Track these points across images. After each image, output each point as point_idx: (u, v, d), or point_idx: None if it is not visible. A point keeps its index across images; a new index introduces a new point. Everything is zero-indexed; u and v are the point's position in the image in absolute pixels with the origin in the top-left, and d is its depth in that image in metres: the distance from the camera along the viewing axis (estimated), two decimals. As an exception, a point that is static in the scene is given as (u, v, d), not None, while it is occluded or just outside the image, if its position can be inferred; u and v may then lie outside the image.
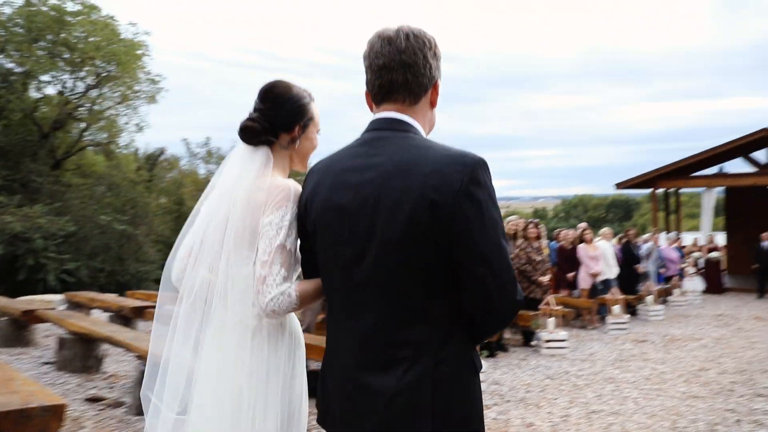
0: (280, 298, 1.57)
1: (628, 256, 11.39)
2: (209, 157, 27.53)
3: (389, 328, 1.41)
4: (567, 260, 10.34)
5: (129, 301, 8.01)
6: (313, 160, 1.76)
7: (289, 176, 1.84)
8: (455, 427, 1.39)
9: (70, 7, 19.94)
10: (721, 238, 17.69)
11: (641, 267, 11.68)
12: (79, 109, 21.27)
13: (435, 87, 1.56)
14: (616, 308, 9.45)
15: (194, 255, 1.74)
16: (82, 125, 21.88)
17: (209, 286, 1.72)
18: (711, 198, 16.54)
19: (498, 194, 1.44)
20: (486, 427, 1.55)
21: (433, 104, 1.58)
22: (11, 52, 19.33)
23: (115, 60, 20.23)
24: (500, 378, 6.12)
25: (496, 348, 7.26)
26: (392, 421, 1.38)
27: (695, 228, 22.13)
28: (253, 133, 1.75)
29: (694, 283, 13.94)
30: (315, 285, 1.62)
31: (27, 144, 19.82)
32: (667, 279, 13.29)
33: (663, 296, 12.26)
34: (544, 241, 9.28)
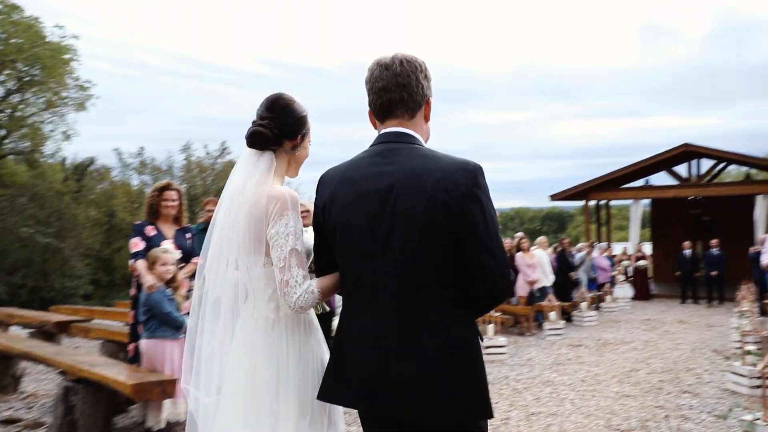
0: (305, 296, 1.78)
1: (563, 265, 11.76)
2: (143, 167, 26.42)
3: (408, 312, 1.65)
4: (505, 268, 10.53)
5: (53, 316, 7.52)
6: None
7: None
8: (470, 388, 1.65)
9: (-10, 6, 18.86)
10: (648, 248, 18.63)
11: (575, 275, 12.09)
12: (-1, 114, 20.06)
13: (428, 103, 1.83)
14: (553, 315, 9.72)
15: (212, 258, 1.93)
16: (2, 132, 20.58)
17: (237, 285, 1.92)
18: (638, 210, 17.41)
19: None
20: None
21: (426, 118, 1.85)
22: None
23: (40, 64, 19.19)
24: None
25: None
26: (419, 389, 1.62)
27: (624, 239, 23.21)
28: (264, 138, 1.91)
29: (624, 290, 14.58)
30: (333, 280, 1.83)
31: (-61, 151, 18.48)
32: (599, 286, 13.83)
33: (596, 303, 12.73)
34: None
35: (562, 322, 9.88)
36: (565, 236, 17.61)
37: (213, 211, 7.78)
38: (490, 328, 7.70)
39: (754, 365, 5.58)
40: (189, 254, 4.92)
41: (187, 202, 5.14)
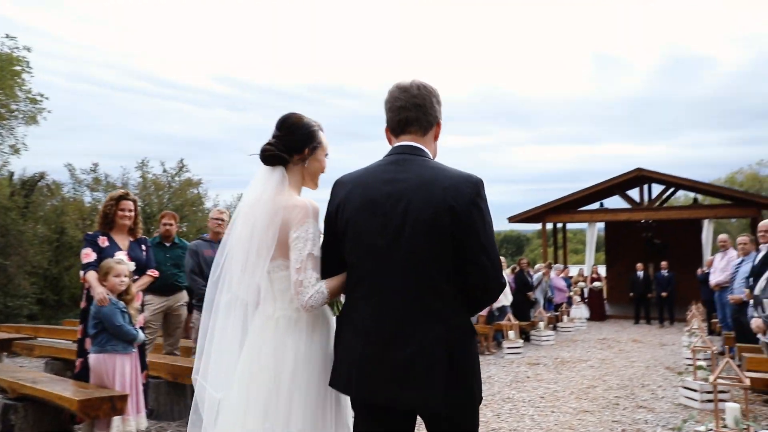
0: (316, 296, 1.96)
1: (521, 285, 11.91)
2: (96, 184, 25.58)
3: (412, 303, 1.83)
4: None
5: (-7, 334, 7.14)
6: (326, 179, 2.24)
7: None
8: (463, 375, 1.83)
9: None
10: (603, 270, 19.10)
11: (532, 294, 12.26)
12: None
13: (438, 125, 2.08)
14: (511, 334, 9.81)
15: (228, 264, 2.12)
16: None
17: (253, 289, 2.10)
18: (594, 232, 17.89)
19: None
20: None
21: (435, 137, 2.10)
22: None
23: (-12, 74, 18.50)
24: None
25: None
26: (414, 374, 1.78)
27: (580, 262, 23.79)
28: (271, 156, 2.13)
29: (581, 311, 14.87)
30: (340, 281, 2.03)
31: None
32: (556, 307, 14.06)
33: (553, 323, 12.92)
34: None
35: (521, 341, 9.97)
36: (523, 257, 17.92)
37: (169, 224, 7.56)
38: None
39: (706, 380, 5.74)
40: (144, 266, 4.76)
41: (142, 219, 4.98)
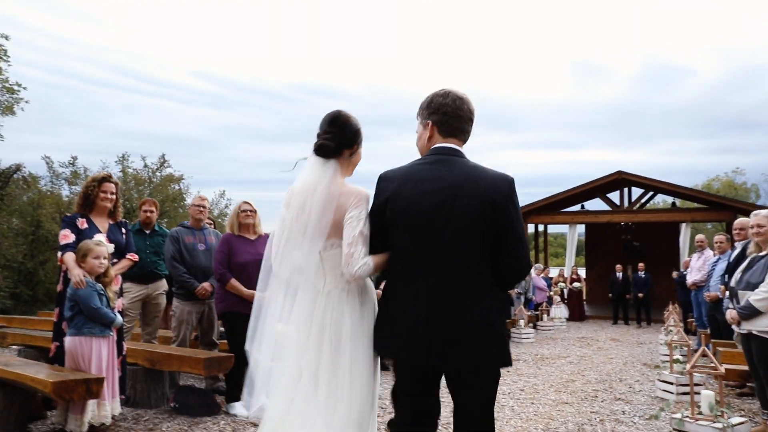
0: (363, 267, 2.25)
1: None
2: (75, 177, 25.13)
3: (459, 282, 2.15)
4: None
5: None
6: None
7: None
8: (502, 339, 2.21)
9: None
10: (582, 271, 19.29)
11: (513, 293, 12.33)
12: None
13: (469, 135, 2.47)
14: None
15: (286, 243, 2.36)
16: None
17: (308, 265, 2.34)
18: (574, 234, 18.06)
19: None
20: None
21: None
22: None
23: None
24: (383, 393, 6.04)
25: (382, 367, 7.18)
26: (467, 338, 2.12)
27: (560, 265, 23.98)
28: (328, 149, 2.39)
29: (560, 311, 14.99)
30: (384, 258, 2.31)
31: None
32: (537, 306, 14.16)
33: (533, 321, 13.01)
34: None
35: (502, 338, 10.01)
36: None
37: (150, 211, 7.43)
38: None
39: (682, 373, 5.82)
40: (124, 250, 4.68)
41: (123, 213, 4.90)
